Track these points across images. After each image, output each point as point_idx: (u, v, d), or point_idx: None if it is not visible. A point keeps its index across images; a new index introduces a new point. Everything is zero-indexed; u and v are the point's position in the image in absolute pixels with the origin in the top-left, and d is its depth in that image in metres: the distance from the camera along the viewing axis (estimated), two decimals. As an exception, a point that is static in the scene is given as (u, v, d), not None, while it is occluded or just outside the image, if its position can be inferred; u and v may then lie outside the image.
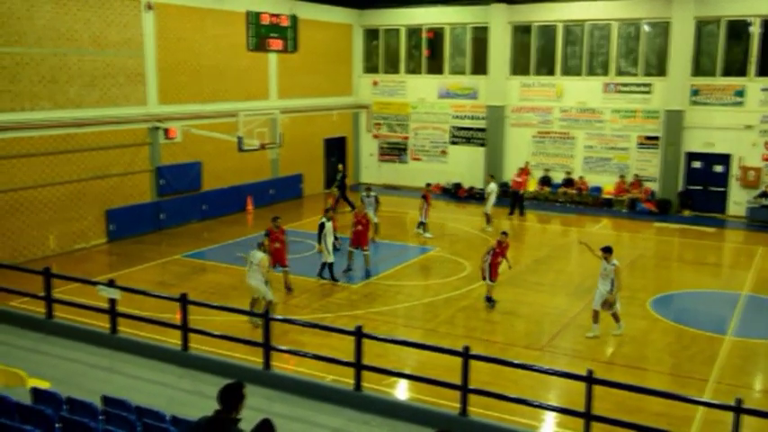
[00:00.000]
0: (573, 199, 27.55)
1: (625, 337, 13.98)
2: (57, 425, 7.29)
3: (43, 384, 9.22)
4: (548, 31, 28.25)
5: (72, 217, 19.81)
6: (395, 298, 16.28)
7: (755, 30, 24.75)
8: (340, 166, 26.19)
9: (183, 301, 11.50)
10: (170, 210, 22.69)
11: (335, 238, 17.99)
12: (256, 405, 8.28)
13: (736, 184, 25.35)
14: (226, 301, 14.87)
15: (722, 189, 25.61)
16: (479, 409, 9.83)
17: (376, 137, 32.28)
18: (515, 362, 10.61)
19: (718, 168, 25.65)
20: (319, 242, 16.99)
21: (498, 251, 15.55)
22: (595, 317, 13.85)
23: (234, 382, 6.08)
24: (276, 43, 26.51)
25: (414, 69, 31.29)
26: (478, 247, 19.57)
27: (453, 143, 30.58)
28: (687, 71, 25.72)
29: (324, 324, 12.66)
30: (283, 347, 11.54)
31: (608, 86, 27.21)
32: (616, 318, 13.93)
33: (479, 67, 29.65)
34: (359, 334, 10.15)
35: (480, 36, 29.51)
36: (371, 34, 32.02)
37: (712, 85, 25.50)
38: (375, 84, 31.95)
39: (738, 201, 25.31)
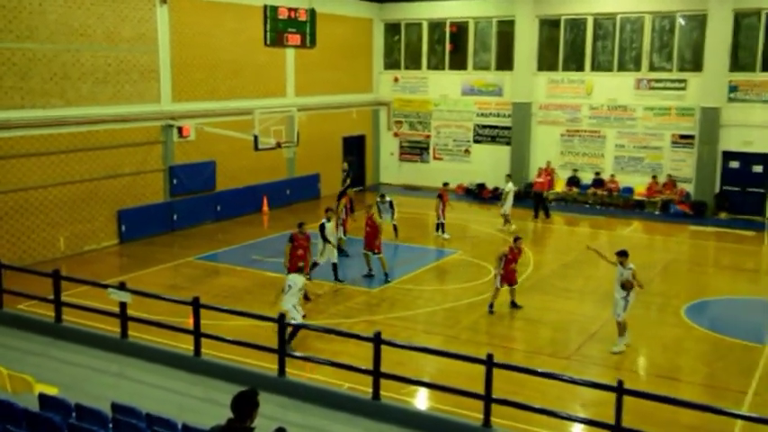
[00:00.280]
0: (603, 200, 27.32)
1: (657, 346, 13.82)
2: (64, 432, 7.33)
3: (51, 390, 9.26)
4: (577, 25, 28.07)
5: (82, 218, 20.00)
6: (415, 303, 16.24)
7: (797, 22, 24.43)
8: (345, 165, 26.19)
9: (196, 304, 11.52)
10: (183, 210, 22.81)
11: (341, 237, 18.28)
12: (270, 413, 8.29)
13: (776, 185, 25.04)
14: (239, 305, 14.88)
15: (761, 190, 25.22)
16: (503, 420, 9.76)
17: (396, 135, 32.26)
18: (541, 371, 10.54)
19: (758, 168, 25.28)
20: (325, 242, 17.06)
21: (510, 258, 15.46)
22: (620, 329, 13.56)
23: (247, 389, 6.08)
24: (294, 38, 26.49)
25: (436, 65, 31.25)
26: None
27: (477, 142, 30.47)
28: (724, 66, 25.39)
29: (341, 330, 12.67)
30: (298, 354, 11.54)
31: (640, 83, 26.97)
32: (622, 329, 13.39)
33: (505, 62, 29.52)
34: (377, 340, 10.12)
35: (506, 30, 29.38)
36: (392, 29, 32.01)
37: (752, 80, 25.14)
38: (396, 80, 31.93)
39: (779, 202, 24.99)
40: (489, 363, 9.44)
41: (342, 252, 19.56)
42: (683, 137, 26.39)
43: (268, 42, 25.60)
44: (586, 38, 27.84)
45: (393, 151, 32.40)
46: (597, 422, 9.45)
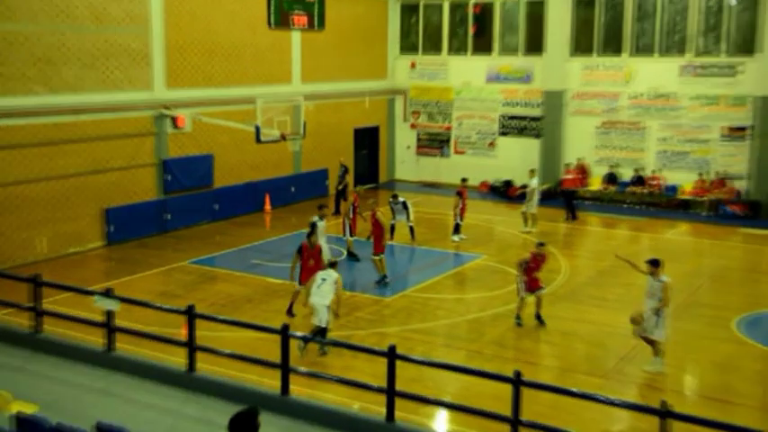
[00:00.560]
0: (643, 200, 27.17)
1: (706, 364, 13.69)
2: (42, 456, 7.29)
3: (29, 408, 9.31)
4: (615, 5, 27.95)
5: (66, 217, 20.05)
6: (434, 313, 16.18)
7: None
8: (342, 159, 26.50)
9: (190, 314, 11.51)
10: (177, 209, 22.86)
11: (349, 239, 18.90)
12: (271, 437, 8.20)
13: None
14: (238, 314, 14.88)
15: (824, 189, 25.01)
16: (532, 447, 9.66)
17: (414, 126, 32.24)
18: (575, 390, 10.42)
19: (822, 164, 25.08)
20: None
21: (533, 266, 15.31)
22: (655, 348, 13.19)
23: (247, 408, 6.02)
24: (300, 20, 26.62)
25: (458, 49, 31.19)
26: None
27: (503, 134, 30.40)
28: (784, 50, 25.21)
29: (351, 343, 12.67)
30: (304, 369, 11.49)
31: (686, 68, 26.79)
32: (655, 348, 13.05)
33: (534, 46, 29.42)
34: (392, 355, 10.07)
35: (535, 11, 29.31)
36: (409, 9, 31.99)
37: (815, 65, 24.97)
38: (413, 66, 31.91)
39: None
40: (517, 381, 9.38)
41: (351, 256, 19.52)
42: (734, 129, 26.18)
43: (272, 24, 25.70)
44: (625, 19, 27.70)
45: (410, 144, 32.38)
46: (639, 449, 9.34)
